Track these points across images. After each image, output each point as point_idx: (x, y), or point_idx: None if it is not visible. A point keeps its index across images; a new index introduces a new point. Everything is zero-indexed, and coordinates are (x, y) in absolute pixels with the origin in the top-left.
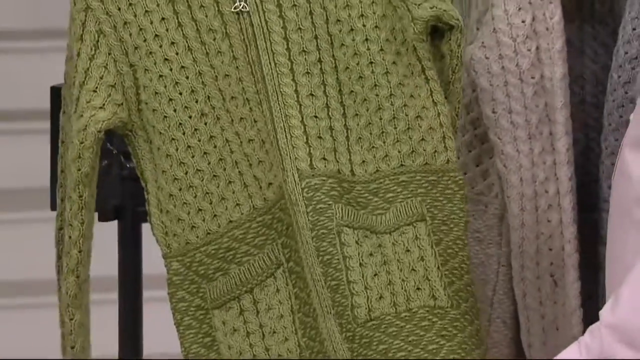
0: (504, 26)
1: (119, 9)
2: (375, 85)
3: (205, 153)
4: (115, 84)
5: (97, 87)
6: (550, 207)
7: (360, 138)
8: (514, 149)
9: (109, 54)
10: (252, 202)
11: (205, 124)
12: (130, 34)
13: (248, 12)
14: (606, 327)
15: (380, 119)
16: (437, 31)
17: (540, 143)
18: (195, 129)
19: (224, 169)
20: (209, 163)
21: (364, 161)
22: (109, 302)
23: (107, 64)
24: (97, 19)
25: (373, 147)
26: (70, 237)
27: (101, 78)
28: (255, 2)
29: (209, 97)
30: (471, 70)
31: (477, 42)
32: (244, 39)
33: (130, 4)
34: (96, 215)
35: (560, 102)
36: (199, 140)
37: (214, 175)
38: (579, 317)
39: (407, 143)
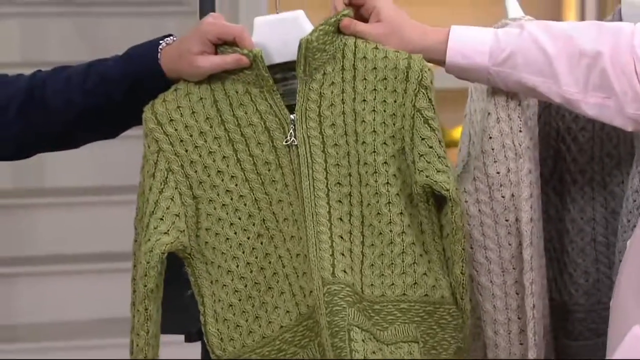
0: (481, 175)
1: (186, 151)
2: (390, 222)
3: (261, 268)
4: (179, 213)
5: (163, 216)
6: (522, 332)
7: (372, 265)
8: (488, 280)
9: (176, 188)
10: (298, 309)
11: (262, 243)
12: (196, 171)
13: (296, 145)
14: None
15: (392, 251)
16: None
17: (513, 276)
18: (253, 248)
19: (277, 282)
20: (264, 277)
21: (372, 285)
22: None
23: (173, 197)
24: (167, 159)
25: (382, 275)
26: (137, 344)
27: (167, 208)
28: (303, 137)
29: (264, 220)
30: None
31: (459, 188)
32: (292, 168)
33: (196, 147)
34: (183, 337)
35: (526, 243)
36: (257, 258)
37: (269, 287)
38: None
39: (412, 276)
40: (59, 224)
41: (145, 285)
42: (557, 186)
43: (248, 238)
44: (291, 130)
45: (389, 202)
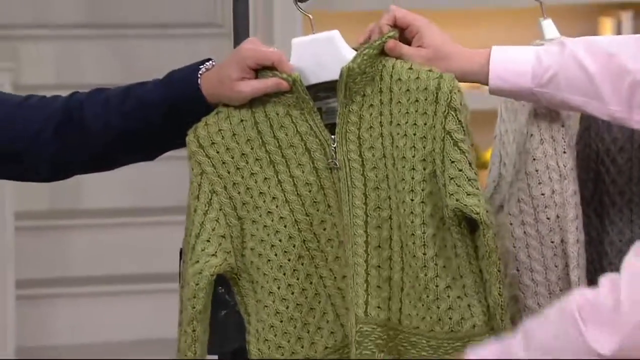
0: (526, 197)
1: (229, 173)
2: (414, 255)
3: (303, 289)
4: (225, 234)
5: (210, 238)
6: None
7: (408, 294)
8: (534, 302)
9: (220, 209)
10: (344, 330)
11: (303, 264)
12: (239, 192)
13: (338, 168)
14: None
15: (419, 285)
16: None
17: (560, 298)
18: (295, 270)
19: (319, 302)
20: (306, 298)
21: (409, 314)
22: None
23: (218, 218)
24: (210, 181)
25: (415, 306)
26: None
27: (213, 230)
28: (344, 160)
29: (304, 240)
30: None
31: (504, 210)
32: (336, 190)
33: (238, 168)
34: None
35: (573, 264)
36: (298, 279)
37: (311, 308)
38: None
39: (435, 312)
40: (96, 245)
41: (194, 307)
42: (597, 208)
43: (289, 260)
44: (332, 152)
45: (413, 234)
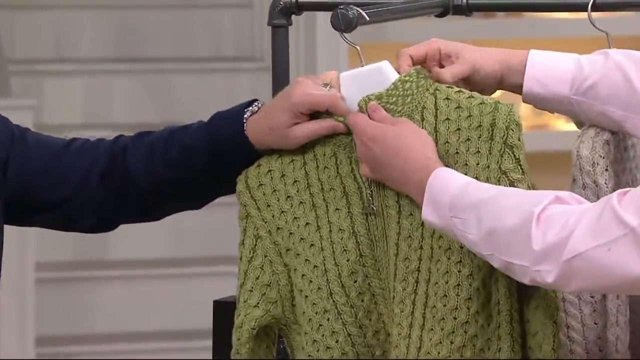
0: None
1: (273, 216)
2: (456, 308)
3: (327, 347)
4: (270, 283)
5: (253, 287)
6: None
7: (428, 353)
8: None
9: (265, 256)
10: None
11: (328, 320)
12: (283, 238)
13: (375, 214)
14: None
15: (451, 343)
16: None
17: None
18: (320, 325)
19: (357, 354)
20: (331, 356)
21: None
22: None
23: (263, 266)
24: (255, 225)
25: None
26: None
27: (257, 279)
28: (381, 206)
29: (331, 293)
30: None
31: None
32: (371, 238)
33: (282, 212)
34: None
35: (611, 322)
36: (322, 336)
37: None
38: None
39: None
40: (123, 299)
41: None
42: None
43: (316, 313)
44: (368, 197)
45: (458, 285)
